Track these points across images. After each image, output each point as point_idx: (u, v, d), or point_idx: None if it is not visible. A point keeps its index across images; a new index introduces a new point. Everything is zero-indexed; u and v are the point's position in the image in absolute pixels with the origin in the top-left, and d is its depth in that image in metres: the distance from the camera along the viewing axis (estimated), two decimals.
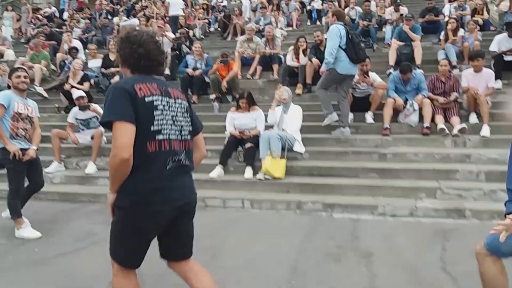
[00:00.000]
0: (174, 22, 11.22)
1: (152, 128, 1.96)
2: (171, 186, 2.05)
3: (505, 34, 7.19)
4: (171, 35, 9.47)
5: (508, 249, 2.23)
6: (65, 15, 14.75)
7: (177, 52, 9.00)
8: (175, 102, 2.12)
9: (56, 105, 8.15)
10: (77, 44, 10.09)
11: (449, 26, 7.82)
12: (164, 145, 2.01)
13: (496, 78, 6.57)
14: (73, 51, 9.27)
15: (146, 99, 1.96)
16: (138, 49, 2.03)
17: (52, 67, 9.76)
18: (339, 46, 5.55)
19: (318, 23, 12.03)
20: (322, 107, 6.06)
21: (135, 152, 1.90)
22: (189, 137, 2.18)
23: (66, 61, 9.28)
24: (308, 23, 12.49)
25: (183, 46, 9.10)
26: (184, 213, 2.17)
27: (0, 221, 4.60)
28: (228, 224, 4.38)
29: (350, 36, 5.58)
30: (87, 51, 9.97)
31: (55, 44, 10.91)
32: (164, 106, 2.04)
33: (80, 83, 7.90)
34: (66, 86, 7.90)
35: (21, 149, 4.05)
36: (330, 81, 5.91)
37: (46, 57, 9.60)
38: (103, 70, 8.63)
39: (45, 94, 8.56)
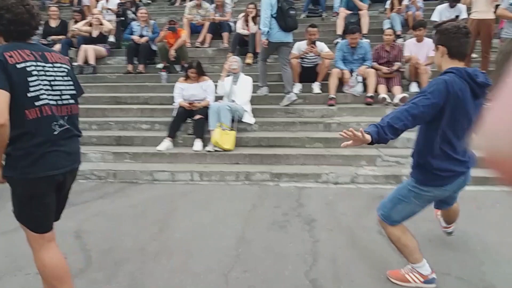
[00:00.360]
0: None
1: (28, 95, 1.94)
2: (59, 151, 2.08)
3: (446, 5, 7.38)
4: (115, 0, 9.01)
5: (399, 216, 2.52)
6: None
7: (123, 18, 8.59)
8: (53, 67, 2.09)
9: None
10: None
11: None
12: (46, 111, 2.01)
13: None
14: None
15: (18, 66, 1.92)
16: (5, 15, 1.96)
17: None
18: (271, 15, 5.72)
19: None
20: (259, 79, 6.18)
21: (15, 122, 1.89)
22: (71, 101, 2.18)
23: None
24: None
25: (129, 11, 8.69)
26: (68, 179, 2.23)
27: None
28: (176, 197, 4.41)
29: (280, 5, 5.72)
30: None
31: None
32: (39, 71, 2.01)
33: None
34: None
35: None
36: (266, 51, 6.11)
37: None
38: (42, 40, 8.08)
39: None
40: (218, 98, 5.92)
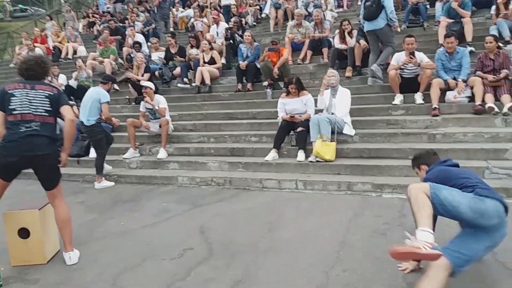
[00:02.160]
0: (227, 11, 11.71)
1: (10, 107, 3.40)
2: (21, 142, 3.35)
3: None
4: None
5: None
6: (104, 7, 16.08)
7: (231, 41, 9.46)
8: (36, 92, 3.44)
9: (127, 97, 9.01)
10: (140, 38, 10.93)
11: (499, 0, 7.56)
12: (17, 117, 3.38)
13: None
14: (136, 45, 10.07)
15: (9, 91, 3.42)
16: (23, 64, 3.57)
17: (120, 61, 10.66)
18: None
19: None
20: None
21: (5, 123, 3.45)
22: (45, 113, 3.45)
23: (132, 55, 10.10)
24: (359, 2, 12.41)
25: (236, 35, 9.54)
26: (37, 163, 3.45)
27: (93, 201, 5.45)
28: (283, 203, 4.86)
29: None
30: (149, 44, 10.75)
31: (120, 38, 11.84)
32: (21, 94, 3.41)
33: (143, 75, 8.69)
34: (129, 75, 8.80)
35: None
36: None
37: (114, 52, 10.52)
38: (164, 61, 9.33)
39: (117, 87, 9.47)
40: (318, 111, 6.25)
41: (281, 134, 6.09)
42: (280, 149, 6.07)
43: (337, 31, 8.26)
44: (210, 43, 9.04)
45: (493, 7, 7.91)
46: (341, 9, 11.82)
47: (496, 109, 5.70)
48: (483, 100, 5.92)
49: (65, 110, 3.57)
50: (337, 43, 8.10)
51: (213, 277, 3.20)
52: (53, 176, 3.60)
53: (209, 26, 11.01)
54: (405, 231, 2.71)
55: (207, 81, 8.49)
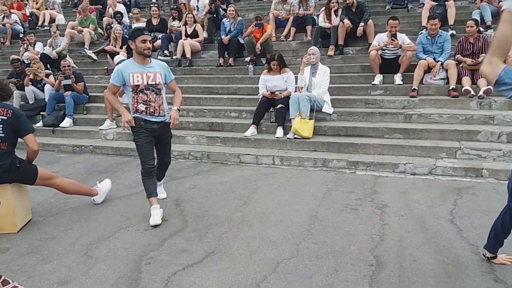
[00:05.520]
0: None
1: None
2: None
3: None
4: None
5: None
6: None
7: (214, 15, 9.29)
8: None
9: (106, 68, 8.83)
10: (121, 8, 10.61)
11: None
12: None
13: None
14: (117, 16, 9.81)
15: None
16: None
17: (99, 30, 10.38)
18: None
19: None
20: None
21: None
22: None
23: (112, 25, 9.84)
24: None
25: (220, 9, 9.37)
26: None
27: (67, 172, 5.39)
28: (259, 178, 4.91)
29: None
30: (130, 14, 10.47)
31: (100, 8, 11.49)
32: None
33: (122, 47, 8.50)
34: (107, 48, 8.59)
35: (148, 121, 3.68)
36: None
37: (94, 21, 10.23)
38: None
39: (95, 57, 9.25)
40: (299, 88, 6.25)
41: (260, 110, 6.10)
42: (259, 125, 6.10)
43: (323, 9, 8.20)
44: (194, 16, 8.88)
45: None
46: None
47: (472, 92, 5.81)
48: (459, 83, 6.02)
49: (29, 140, 3.53)
50: (321, 21, 8.06)
51: (186, 248, 3.25)
52: (27, 181, 3.69)
53: None
54: None
55: (188, 55, 8.38)
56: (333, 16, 7.89)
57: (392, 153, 5.27)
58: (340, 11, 7.82)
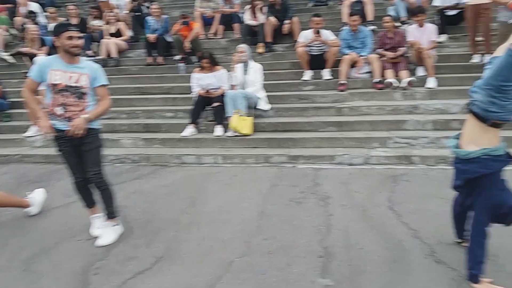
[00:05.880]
0: None
1: None
2: None
3: None
4: None
5: None
6: None
7: (138, 13, 8.93)
8: None
9: (25, 71, 8.07)
10: (34, 7, 9.78)
11: None
12: None
13: (441, 33, 7.09)
14: (31, 15, 9.03)
15: None
16: None
17: (13, 31, 9.49)
18: None
19: None
20: None
21: None
22: None
23: (25, 25, 9.05)
24: None
25: (143, 6, 9.05)
26: None
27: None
28: (203, 178, 4.81)
29: None
30: (47, 14, 9.70)
31: (11, 7, 10.49)
32: None
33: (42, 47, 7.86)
34: (23, 50, 7.91)
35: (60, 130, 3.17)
36: None
37: (5, 21, 9.33)
38: None
39: (11, 60, 8.44)
40: (234, 86, 6.20)
41: (197, 109, 5.98)
42: (197, 124, 5.97)
43: (248, 6, 8.25)
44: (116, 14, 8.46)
45: None
46: None
47: (396, 83, 6.20)
48: (383, 76, 6.39)
49: None
50: (247, 19, 8.10)
51: (134, 255, 3.09)
52: None
53: None
54: None
55: (114, 54, 7.98)
56: (258, 13, 7.97)
57: (328, 145, 5.44)
58: (264, 8, 7.93)
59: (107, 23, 8.29)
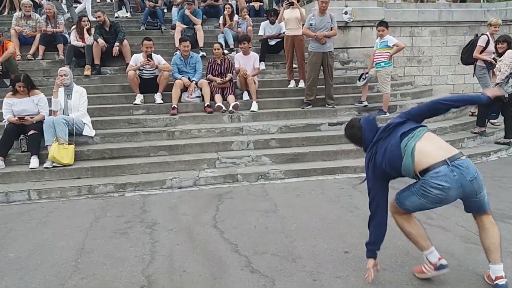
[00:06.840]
0: None
1: None
2: None
3: (268, 21, 8.30)
4: None
5: (411, 205, 2.71)
6: None
7: None
8: None
9: None
10: None
11: (225, 12, 8.74)
12: None
13: (261, 60, 7.82)
14: None
15: None
16: None
17: None
18: None
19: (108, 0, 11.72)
20: None
21: None
22: None
23: None
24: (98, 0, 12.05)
25: None
26: None
27: None
28: (12, 219, 4.25)
29: None
30: None
31: None
32: None
33: None
34: None
35: None
36: None
37: None
38: None
39: None
40: (55, 112, 5.74)
41: (7, 139, 5.30)
42: (7, 157, 5.26)
43: (74, 26, 7.79)
44: None
45: (221, 17, 9.01)
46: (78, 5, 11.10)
47: (224, 108, 6.56)
48: (213, 100, 6.70)
49: None
50: (73, 40, 7.64)
51: None
52: None
53: None
54: None
55: None
56: (86, 34, 7.60)
57: (159, 170, 5.42)
58: (93, 30, 7.60)
59: None
